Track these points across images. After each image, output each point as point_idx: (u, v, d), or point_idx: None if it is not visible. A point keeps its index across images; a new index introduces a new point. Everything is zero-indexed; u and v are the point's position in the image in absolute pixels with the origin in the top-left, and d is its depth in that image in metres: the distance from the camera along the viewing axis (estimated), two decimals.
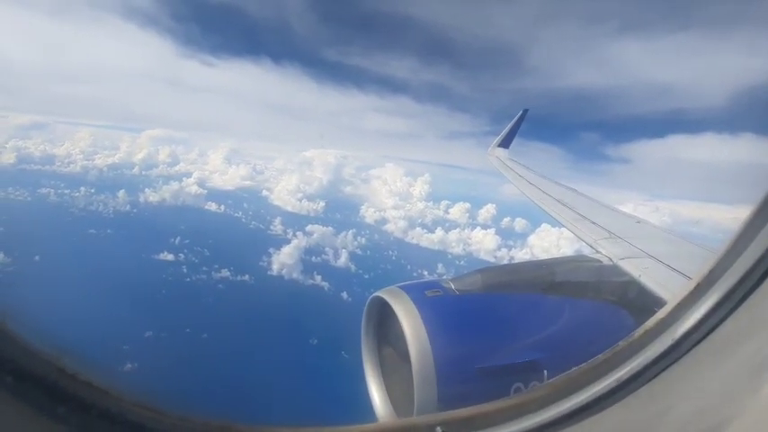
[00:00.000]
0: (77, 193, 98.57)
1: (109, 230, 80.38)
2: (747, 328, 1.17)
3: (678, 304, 1.29)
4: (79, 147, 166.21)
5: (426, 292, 2.36)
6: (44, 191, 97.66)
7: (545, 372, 2.22)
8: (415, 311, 2.20)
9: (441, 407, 2.05)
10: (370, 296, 2.48)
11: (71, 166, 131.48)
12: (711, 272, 1.24)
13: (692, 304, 1.25)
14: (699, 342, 1.21)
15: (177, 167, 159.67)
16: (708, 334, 1.20)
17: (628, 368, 1.26)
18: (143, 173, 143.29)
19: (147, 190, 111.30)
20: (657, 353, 1.24)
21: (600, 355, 1.34)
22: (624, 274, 2.77)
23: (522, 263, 3.10)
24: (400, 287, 2.41)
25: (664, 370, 1.24)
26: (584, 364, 1.37)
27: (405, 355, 2.13)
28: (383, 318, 2.46)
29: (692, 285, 1.28)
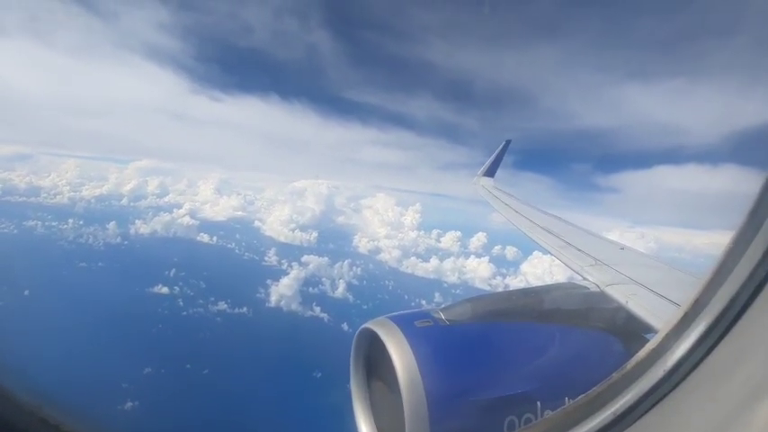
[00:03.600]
0: (65, 225, 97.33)
1: (100, 263, 79.26)
2: (736, 355, 1.16)
3: (668, 334, 1.28)
4: (65, 178, 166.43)
5: (416, 323, 2.30)
6: (31, 223, 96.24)
7: (538, 403, 2.19)
8: (405, 343, 2.15)
9: None
10: (360, 328, 2.45)
11: (58, 197, 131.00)
12: (698, 300, 1.23)
13: (681, 333, 1.24)
14: (691, 371, 1.19)
15: (167, 198, 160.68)
16: (699, 363, 1.19)
17: (623, 401, 1.24)
18: (132, 204, 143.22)
19: (137, 221, 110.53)
20: (651, 384, 1.22)
21: (594, 388, 1.31)
22: (611, 300, 2.78)
23: (511, 291, 3.08)
24: (390, 318, 2.35)
25: (659, 401, 1.21)
26: (579, 397, 1.33)
27: (395, 389, 2.07)
28: (373, 350, 2.42)
29: (680, 314, 1.27)
